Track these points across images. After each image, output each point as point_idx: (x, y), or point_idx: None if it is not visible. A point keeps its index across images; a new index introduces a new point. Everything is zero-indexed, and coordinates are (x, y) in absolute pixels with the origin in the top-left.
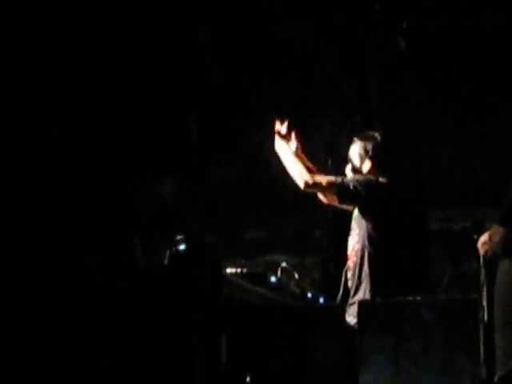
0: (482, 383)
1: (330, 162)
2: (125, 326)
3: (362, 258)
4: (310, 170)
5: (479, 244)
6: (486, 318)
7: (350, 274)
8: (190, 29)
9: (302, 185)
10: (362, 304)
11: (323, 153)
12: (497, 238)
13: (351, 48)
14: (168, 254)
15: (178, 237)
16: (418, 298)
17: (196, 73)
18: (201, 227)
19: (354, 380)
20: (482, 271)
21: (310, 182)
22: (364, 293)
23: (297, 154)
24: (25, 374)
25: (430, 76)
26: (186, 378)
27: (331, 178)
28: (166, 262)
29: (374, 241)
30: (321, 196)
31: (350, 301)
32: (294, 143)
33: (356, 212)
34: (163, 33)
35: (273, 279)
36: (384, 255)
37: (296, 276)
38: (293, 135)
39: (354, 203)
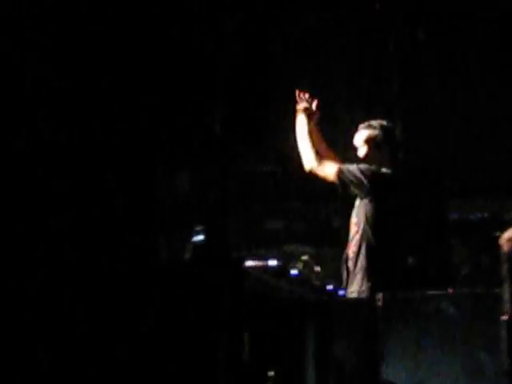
0: (504, 376)
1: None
2: (148, 322)
3: (359, 249)
4: (320, 155)
5: (503, 240)
6: (508, 311)
7: (349, 264)
8: (216, 19)
9: (307, 168)
10: (384, 298)
11: (342, 144)
12: None
13: (370, 39)
14: (190, 247)
15: (197, 227)
16: (440, 292)
17: (220, 63)
18: (222, 220)
19: (375, 374)
20: (505, 266)
21: (314, 169)
22: (359, 285)
23: (314, 132)
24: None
25: (449, 65)
26: (208, 374)
27: (334, 167)
28: (187, 255)
29: (372, 233)
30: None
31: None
32: (315, 113)
33: (357, 202)
34: (189, 22)
35: (294, 272)
36: (381, 249)
37: (317, 269)
38: (314, 105)
39: (356, 191)
